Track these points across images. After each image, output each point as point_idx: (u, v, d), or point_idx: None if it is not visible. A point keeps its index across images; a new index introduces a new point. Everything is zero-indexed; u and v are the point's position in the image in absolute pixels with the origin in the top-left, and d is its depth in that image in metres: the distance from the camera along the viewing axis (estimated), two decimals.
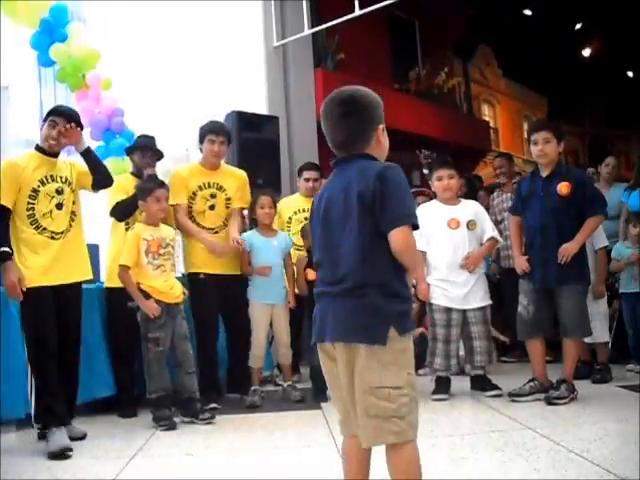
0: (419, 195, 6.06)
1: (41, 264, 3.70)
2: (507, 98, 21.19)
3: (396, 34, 12.21)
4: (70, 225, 3.86)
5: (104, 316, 4.57)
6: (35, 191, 3.71)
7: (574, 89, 20.69)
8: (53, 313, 3.68)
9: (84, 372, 4.31)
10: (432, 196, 5.54)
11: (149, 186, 4.17)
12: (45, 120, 3.91)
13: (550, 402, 4.04)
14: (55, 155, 3.91)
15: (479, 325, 4.43)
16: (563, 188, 4.14)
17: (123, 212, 4.56)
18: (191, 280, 4.59)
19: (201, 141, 4.71)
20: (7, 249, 3.57)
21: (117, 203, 4.54)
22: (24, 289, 3.56)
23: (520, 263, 4.29)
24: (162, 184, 4.20)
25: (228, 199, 4.69)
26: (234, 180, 4.75)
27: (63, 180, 3.87)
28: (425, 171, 6.19)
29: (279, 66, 7.85)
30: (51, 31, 5.76)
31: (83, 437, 3.75)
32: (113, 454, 3.39)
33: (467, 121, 14.50)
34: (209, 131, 4.69)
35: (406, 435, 1.95)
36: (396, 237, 1.92)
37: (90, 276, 4.01)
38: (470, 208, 4.57)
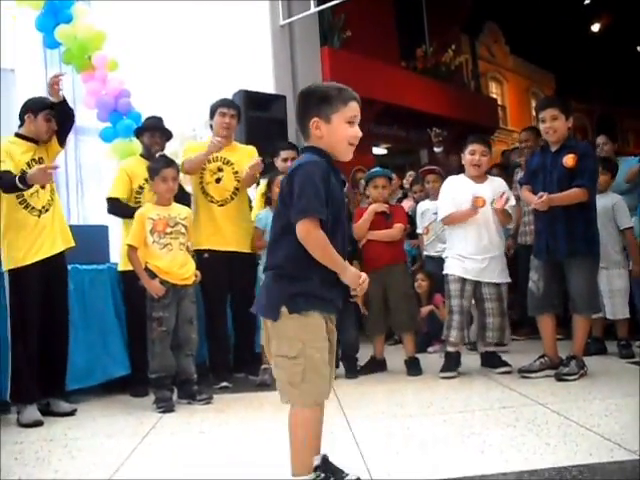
0: (429, 173, 6.02)
1: (29, 241, 3.84)
2: (515, 75, 21.01)
3: (403, 11, 12.12)
4: (52, 199, 4.01)
5: (117, 297, 4.61)
6: (24, 173, 3.79)
7: (582, 66, 20.50)
8: (39, 292, 3.83)
9: (99, 353, 4.39)
10: (443, 174, 5.54)
11: (157, 166, 4.16)
12: (36, 114, 3.98)
13: (560, 378, 4.05)
14: (36, 141, 4.04)
15: (494, 302, 4.43)
16: (569, 160, 4.10)
17: (116, 213, 4.69)
18: (198, 259, 4.60)
19: (212, 116, 4.73)
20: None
21: (114, 201, 4.62)
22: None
23: (536, 198, 4.12)
24: (170, 163, 4.19)
25: (236, 172, 4.69)
26: (243, 155, 4.74)
27: (42, 161, 4.00)
28: (436, 149, 6.14)
29: (286, 45, 7.81)
30: (56, 12, 5.73)
31: (72, 413, 3.87)
32: (127, 432, 3.42)
33: (474, 99, 14.42)
34: (220, 105, 4.74)
35: (295, 401, 2.19)
36: (297, 229, 2.13)
37: (72, 244, 4.09)
38: (496, 186, 4.55)
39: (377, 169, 5.21)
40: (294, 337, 2.16)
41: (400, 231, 4.82)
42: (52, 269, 3.91)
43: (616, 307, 4.87)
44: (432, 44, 12.72)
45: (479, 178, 4.53)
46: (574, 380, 4.02)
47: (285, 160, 4.99)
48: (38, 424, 3.63)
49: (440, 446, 2.84)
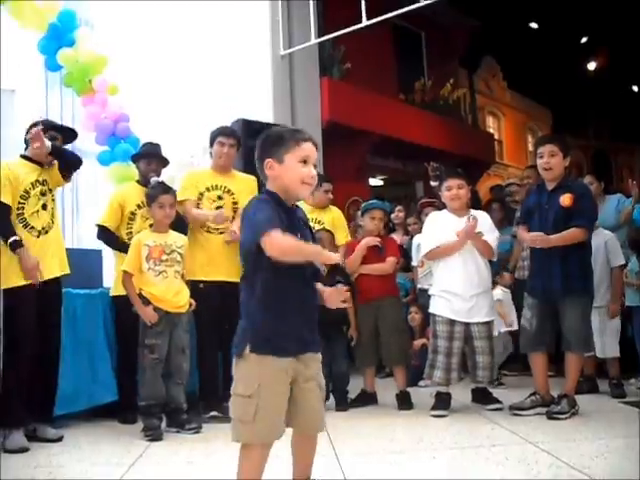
0: (428, 206, 6.05)
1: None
2: (512, 110, 21.20)
3: (402, 45, 12.27)
4: (52, 222, 4.04)
5: (108, 322, 4.58)
6: (27, 192, 3.91)
7: (579, 102, 20.73)
8: (33, 314, 3.81)
9: (87, 378, 4.36)
10: (440, 207, 5.54)
11: (154, 192, 4.17)
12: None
13: (551, 417, 4.03)
14: (40, 163, 4.07)
15: (483, 340, 4.38)
16: (566, 200, 4.12)
17: (103, 241, 4.71)
18: (192, 289, 4.58)
19: (211, 144, 4.73)
20: (17, 238, 3.78)
21: (103, 229, 4.65)
22: (40, 279, 3.81)
23: (532, 237, 4.16)
24: (168, 190, 4.20)
25: (235, 203, 4.68)
26: (243, 184, 4.72)
27: (46, 183, 4.05)
28: (433, 183, 6.17)
29: (285, 74, 7.88)
30: (59, 36, 5.80)
31: (58, 439, 3.82)
32: (113, 460, 3.38)
33: (472, 133, 14.51)
34: (219, 134, 4.73)
35: (244, 438, 2.21)
36: (264, 246, 2.12)
37: (68, 271, 4.09)
38: (479, 220, 4.54)
39: (375, 201, 5.22)
40: (251, 376, 2.20)
41: (392, 265, 4.83)
42: (47, 293, 3.89)
43: (607, 345, 4.86)
44: (430, 78, 12.84)
45: (461, 212, 4.52)
46: (565, 419, 4.00)
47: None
48: (24, 450, 3.59)
49: None
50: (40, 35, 5.81)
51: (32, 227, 3.90)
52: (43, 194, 4.00)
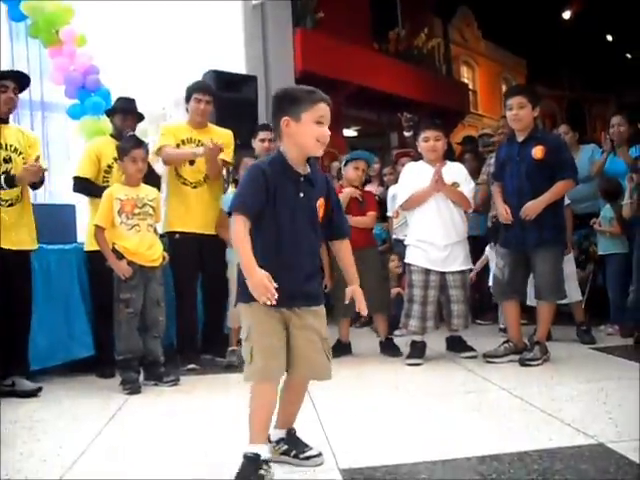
0: (403, 156, 6.05)
1: None
2: (486, 60, 21.09)
3: None
4: (20, 195, 3.93)
5: (83, 277, 4.56)
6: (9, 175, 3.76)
7: (553, 52, 20.66)
8: None
9: (63, 333, 4.35)
10: (417, 157, 5.54)
11: (126, 146, 4.11)
12: None
13: (524, 363, 4.12)
14: (3, 122, 3.94)
15: (458, 289, 4.43)
16: (538, 152, 4.16)
17: (82, 192, 4.63)
18: (169, 240, 4.58)
19: (187, 100, 4.70)
20: None
21: (81, 180, 4.57)
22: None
23: (502, 211, 4.28)
24: (140, 144, 4.14)
25: None
26: (218, 138, 4.70)
27: (12, 149, 3.92)
28: (406, 133, 6.15)
29: (257, 25, 7.76)
30: None
31: (37, 391, 3.86)
32: (93, 414, 3.40)
33: (446, 83, 14.46)
34: (196, 89, 4.71)
35: (247, 376, 2.35)
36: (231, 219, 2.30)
37: (35, 246, 4.06)
38: (454, 170, 4.54)
39: (362, 152, 5.19)
40: (245, 321, 2.38)
41: (374, 219, 4.91)
42: (13, 264, 3.86)
43: (570, 290, 4.90)
44: (405, 27, 12.70)
45: (437, 162, 4.51)
46: (537, 365, 4.10)
47: (263, 140, 4.96)
48: None
49: (404, 430, 2.88)
50: None
51: None
52: (7, 160, 3.87)
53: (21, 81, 4.09)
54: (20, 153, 3.96)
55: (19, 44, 6.24)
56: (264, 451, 2.31)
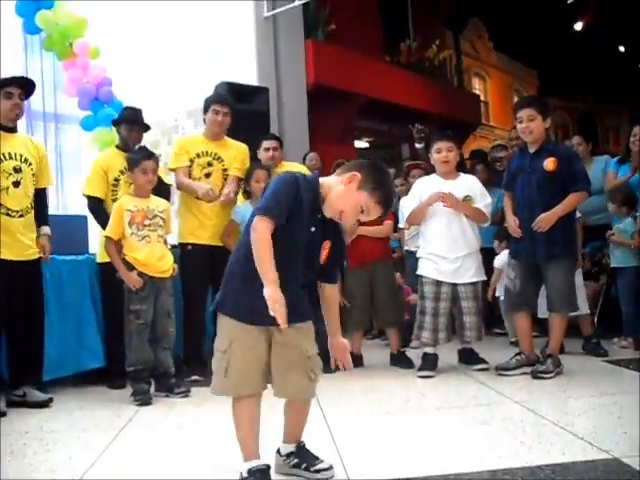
0: (414, 168, 6.03)
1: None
2: (498, 71, 21.10)
3: (387, 6, 12.10)
4: (31, 206, 3.94)
5: (94, 288, 4.57)
6: None
7: (565, 63, 20.64)
8: (4, 288, 3.74)
9: (74, 343, 4.37)
10: (428, 169, 5.52)
11: (136, 157, 4.11)
12: None
13: (536, 376, 4.08)
14: (11, 130, 3.94)
15: (470, 301, 4.40)
16: (549, 164, 4.13)
17: (92, 215, 4.60)
18: (181, 251, 4.59)
19: (205, 111, 4.69)
20: None
21: (94, 200, 4.55)
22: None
23: (512, 223, 4.26)
24: (150, 155, 4.14)
25: (225, 170, 4.67)
26: (234, 152, 4.72)
27: (22, 159, 3.91)
28: (418, 145, 6.14)
29: (269, 37, 7.79)
30: None
31: (48, 402, 3.85)
32: (104, 425, 3.40)
33: (457, 94, 14.45)
34: (214, 101, 4.72)
35: (217, 391, 2.35)
36: (254, 220, 2.24)
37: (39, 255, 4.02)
38: (467, 183, 4.51)
39: None
40: (225, 334, 2.33)
41: (391, 228, 4.92)
42: (23, 273, 3.86)
43: (578, 303, 4.83)
44: (416, 39, 12.71)
45: (449, 175, 4.50)
46: (550, 378, 4.06)
47: (267, 150, 4.96)
48: (2, 414, 3.61)
49: (415, 443, 2.86)
50: None
51: (0, 204, 3.77)
52: (17, 170, 3.86)
53: (27, 87, 4.03)
54: (30, 163, 3.95)
55: (33, 57, 6.31)
56: (260, 463, 2.32)
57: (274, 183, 2.31)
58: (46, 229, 4.06)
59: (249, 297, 2.26)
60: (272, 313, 2.14)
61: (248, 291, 2.26)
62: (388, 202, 2.38)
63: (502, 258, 5.48)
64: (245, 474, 2.30)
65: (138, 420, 3.51)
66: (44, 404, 3.84)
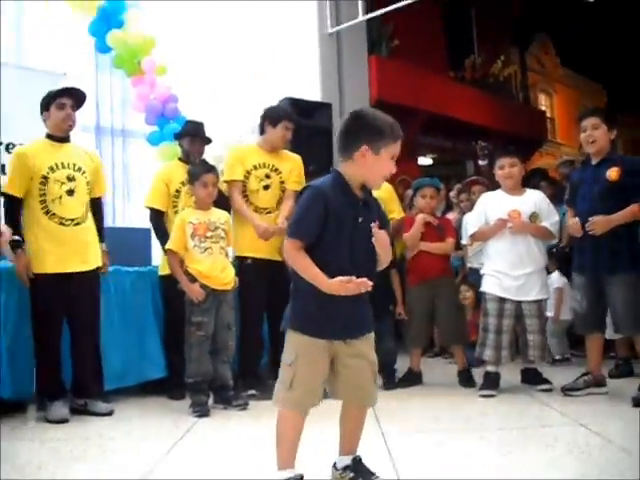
0: (474, 185, 5.95)
1: (51, 251, 3.83)
2: (564, 87, 20.69)
3: (452, 21, 12.04)
4: (85, 215, 3.98)
5: (157, 300, 4.65)
6: (45, 178, 3.82)
7: (634, 80, 20.08)
8: (58, 297, 3.82)
9: (136, 354, 4.43)
10: (489, 186, 5.44)
11: (197, 171, 4.16)
12: (49, 103, 3.95)
13: (566, 394, 4.03)
14: (63, 140, 4.01)
15: (534, 318, 4.30)
16: (613, 173, 3.97)
17: (154, 228, 4.67)
18: (239, 265, 4.59)
19: (274, 124, 4.63)
20: (18, 237, 3.76)
21: (157, 213, 4.63)
22: (31, 275, 3.78)
23: (572, 224, 4.09)
24: (210, 169, 4.18)
25: (282, 182, 4.66)
26: (290, 164, 4.71)
27: (76, 168, 3.97)
28: (481, 162, 6.07)
29: (333, 52, 7.82)
30: (108, 18, 5.84)
31: (109, 413, 3.90)
32: (162, 434, 3.43)
33: (523, 110, 14.24)
34: (287, 117, 4.68)
35: (281, 403, 2.38)
36: (285, 245, 2.35)
37: (99, 264, 4.06)
38: (534, 199, 4.41)
39: (425, 179, 5.16)
40: (292, 348, 2.39)
41: (452, 246, 4.87)
42: (77, 284, 3.90)
43: None
44: (481, 54, 12.61)
45: (515, 191, 4.42)
46: (578, 396, 3.98)
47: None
48: (64, 421, 3.69)
49: (475, 464, 2.78)
50: (90, 18, 5.87)
51: (53, 214, 3.83)
52: (70, 179, 3.91)
53: (78, 98, 4.08)
54: (84, 172, 4.00)
55: (103, 75, 6.51)
56: (295, 472, 2.35)
57: (299, 203, 2.39)
58: (102, 246, 4.13)
59: (315, 312, 2.34)
60: (356, 291, 2.23)
61: (314, 306, 2.34)
62: (395, 128, 2.35)
63: (557, 278, 5.37)
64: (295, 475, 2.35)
65: (196, 431, 3.53)
66: (105, 415, 3.90)
